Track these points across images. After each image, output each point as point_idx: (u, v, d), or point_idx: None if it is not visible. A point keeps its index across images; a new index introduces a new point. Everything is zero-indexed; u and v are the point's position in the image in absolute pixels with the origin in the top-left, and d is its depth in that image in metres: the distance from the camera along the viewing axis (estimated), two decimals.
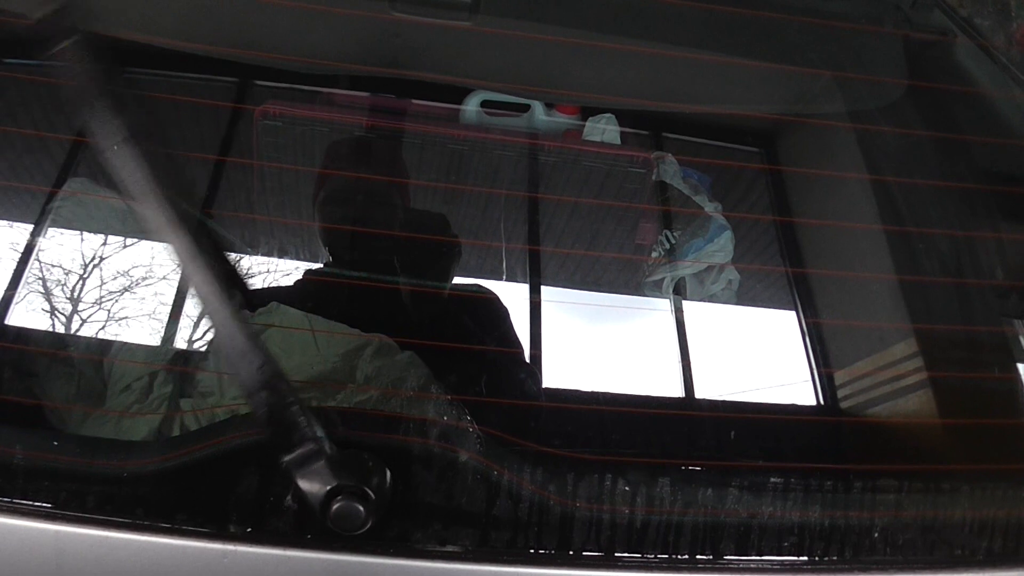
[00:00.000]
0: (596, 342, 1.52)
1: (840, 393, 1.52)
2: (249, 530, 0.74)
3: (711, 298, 1.67)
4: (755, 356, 1.56)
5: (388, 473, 0.75)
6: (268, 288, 1.39)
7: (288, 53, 1.51)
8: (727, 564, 0.81)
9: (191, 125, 1.43)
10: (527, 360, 1.32)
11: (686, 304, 1.62)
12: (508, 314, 1.37)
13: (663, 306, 1.64)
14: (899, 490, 0.85)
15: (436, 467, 0.76)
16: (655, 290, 1.66)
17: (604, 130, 1.66)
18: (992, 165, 1.38)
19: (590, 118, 1.68)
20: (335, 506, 0.69)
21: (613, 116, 1.67)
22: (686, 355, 1.52)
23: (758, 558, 0.81)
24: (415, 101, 1.62)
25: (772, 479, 0.82)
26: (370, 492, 0.70)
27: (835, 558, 0.83)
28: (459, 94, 1.63)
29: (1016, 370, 1.29)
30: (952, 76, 1.43)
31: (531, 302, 1.42)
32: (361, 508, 0.69)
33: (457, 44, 1.53)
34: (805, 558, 0.83)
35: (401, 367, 1.23)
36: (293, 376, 1.19)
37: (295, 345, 1.25)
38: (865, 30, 1.41)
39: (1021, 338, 1.34)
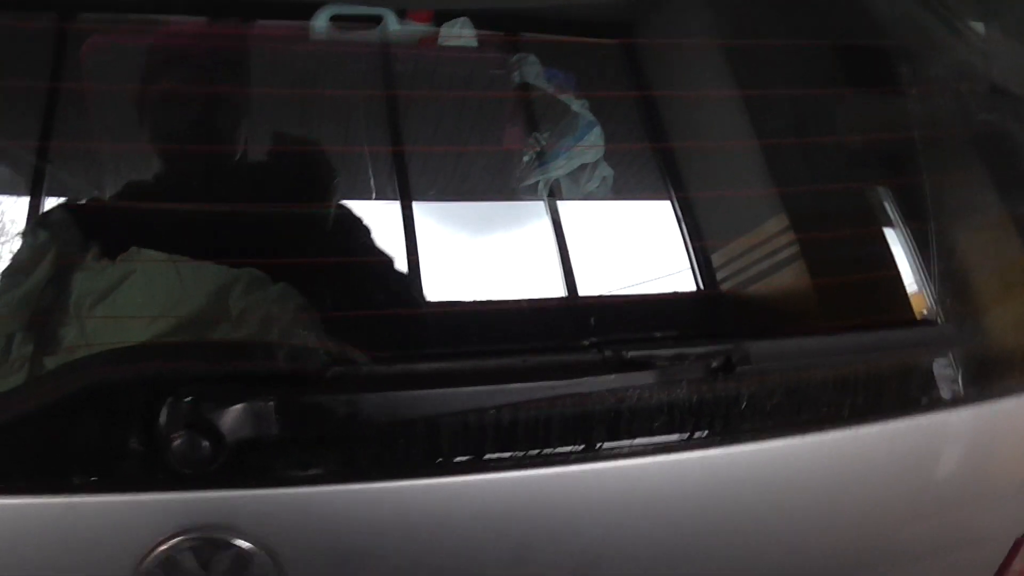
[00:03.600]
0: (476, 251, 1.50)
1: (719, 274, 1.54)
2: (94, 479, 0.70)
3: (587, 196, 1.65)
4: (636, 248, 1.56)
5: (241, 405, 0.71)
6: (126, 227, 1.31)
7: None
8: (599, 452, 0.80)
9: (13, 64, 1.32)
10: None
11: (563, 204, 1.60)
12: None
13: (539, 209, 1.62)
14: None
15: (292, 393, 0.72)
16: (530, 193, 1.63)
17: (460, 35, 1.60)
18: (843, 23, 1.37)
19: (445, 23, 1.62)
20: (176, 442, 0.65)
21: (468, 19, 1.61)
22: (566, 255, 1.51)
23: (629, 442, 0.81)
24: (260, 21, 1.54)
25: (635, 359, 0.81)
26: (219, 428, 0.66)
27: (706, 432, 0.83)
28: (307, 11, 1.55)
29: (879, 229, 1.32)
30: None
31: (404, 217, 1.38)
32: (206, 443, 0.65)
33: None
34: (676, 436, 0.83)
35: (273, 299, 1.18)
36: (164, 320, 1.14)
37: (160, 288, 1.19)
38: None
39: (883, 199, 1.37)
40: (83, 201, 1.36)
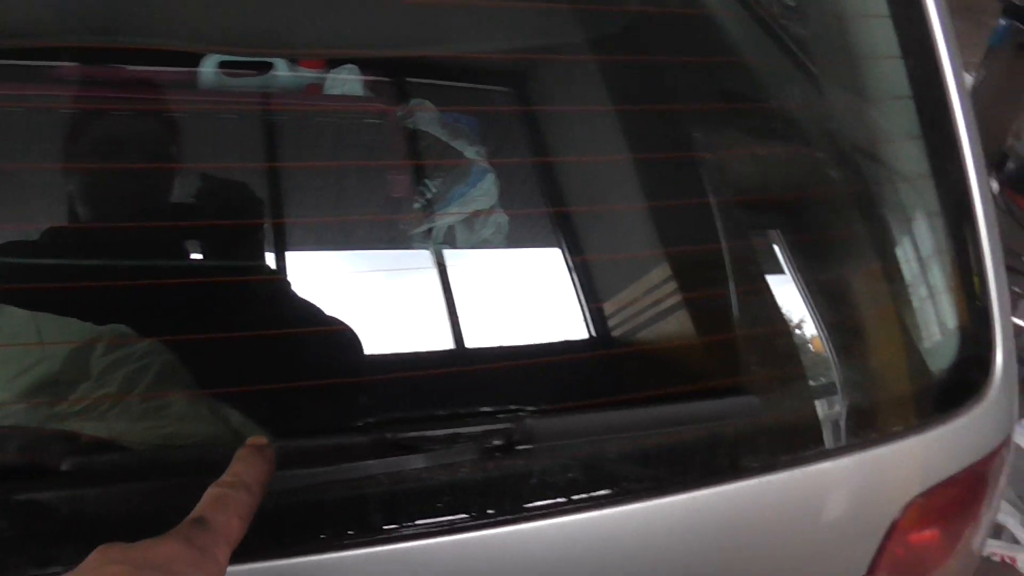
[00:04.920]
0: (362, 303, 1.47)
1: (611, 323, 1.51)
2: None
3: (483, 244, 1.63)
4: (529, 299, 1.53)
5: None
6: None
7: None
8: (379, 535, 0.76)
9: None
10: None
11: (456, 253, 1.58)
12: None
13: (427, 259, 1.59)
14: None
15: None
16: (424, 241, 1.60)
17: (345, 81, 1.58)
18: (722, 84, 1.37)
19: (332, 70, 1.61)
20: None
21: (355, 66, 1.59)
22: (452, 306, 1.48)
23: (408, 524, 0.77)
24: (141, 68, 1.52)
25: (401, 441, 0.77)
26: None
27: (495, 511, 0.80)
28: (194, 58, 1.54)
29: (760, 282, 1.30)
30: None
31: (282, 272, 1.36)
32: None
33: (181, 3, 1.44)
34: (463, 515, 0.79)
35: (138, 357, 1.15)
36: (20, 380, 1.11)
37: (18, 347, 1.16)
38: None
39: (776, 250, 1.35)
40: None
